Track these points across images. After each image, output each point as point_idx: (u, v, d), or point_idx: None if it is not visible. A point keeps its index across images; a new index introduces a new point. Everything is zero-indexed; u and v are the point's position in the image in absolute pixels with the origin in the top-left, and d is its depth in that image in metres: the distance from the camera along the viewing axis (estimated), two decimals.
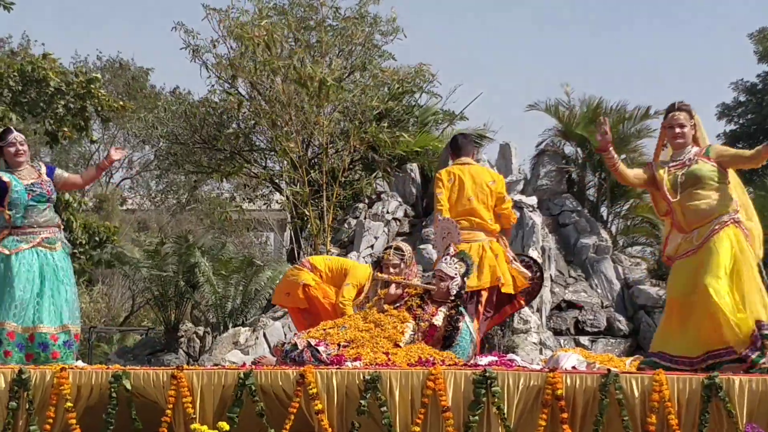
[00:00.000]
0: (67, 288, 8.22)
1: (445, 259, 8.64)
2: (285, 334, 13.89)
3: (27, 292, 8.07)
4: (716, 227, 7.44)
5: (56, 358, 8.00)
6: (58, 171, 8.51)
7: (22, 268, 8.07)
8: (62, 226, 8.48)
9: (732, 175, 7.68)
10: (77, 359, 8.30)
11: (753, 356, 7.26)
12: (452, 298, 8.47)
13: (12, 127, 8.67)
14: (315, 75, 16.25)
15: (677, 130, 7.64)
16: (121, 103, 18.74)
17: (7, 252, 8.15)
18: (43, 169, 8.38)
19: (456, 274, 8.52)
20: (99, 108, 17.65)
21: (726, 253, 7.36)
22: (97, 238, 17.68)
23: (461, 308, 8.54)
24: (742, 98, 29.82)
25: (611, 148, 7.69)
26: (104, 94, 17.89)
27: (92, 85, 17.38)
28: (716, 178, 7.54)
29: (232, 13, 17.55)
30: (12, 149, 8.23)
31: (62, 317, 8.15)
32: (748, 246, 7.49)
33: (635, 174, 7.89)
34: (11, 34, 39.27)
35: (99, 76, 18.95)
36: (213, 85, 19.10)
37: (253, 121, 18.68)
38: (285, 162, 17.93)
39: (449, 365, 7.27)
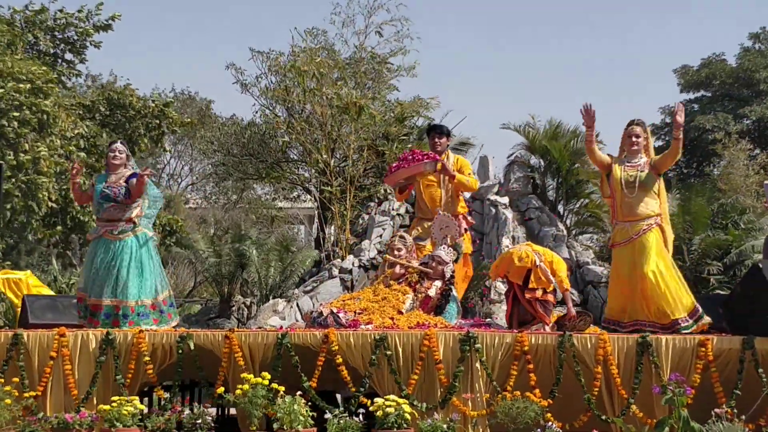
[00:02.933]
0: (122, 269, 7.73)
1: (443, 247, 8.59)
2: (313, 304, 13.86)
3: (89, 271, 7.81)
4: (645, 227, 7.41)
5: (96, 326, 7.54)
6: (133, 179, 7.91)
7: (92, 252, 7.85)
8: (135, 221, 7.87)
9: (660, 185, 7.62)
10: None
11: (684, 325, 7.21)
12: (446, 279, 8.45)
13: (119, 141, 8.26)
14: (356, 101, 16.25)
15: (634, 139, 7.59)
16: (188, 119, 18.76)
17: (90, 237, 8.04)
18: (127, 174, 7.94)
19: (450, 260, 8.49)
20: (170, 124, 17.66)
21: (658, 248, 7.36)
22: (168, 228, 17.69)
23: (451, 285, 8.50)
24: (668, 120, 29.69)
25: (593, 126, 7.60)
26: (175, 114, 17.91)
27: (166, 108, 17.43)
28: (652, 186, 7.50)
29: (272, 54, 17.54)
30: (110, 154, 8.02)
31: (116, 293, 7.69)
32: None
33: (601, 158, 7.71)
34: (101, 72, 39.24)
35: (171, 100, 18.99)
36: (257, 111, 19.08)
37: (288, 139, 18.63)
38: (314, 170, 17.90)
39: (441, 328, 7.26)
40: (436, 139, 8.99)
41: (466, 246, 8.95)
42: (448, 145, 9.11)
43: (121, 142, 8.24)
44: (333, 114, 16.42)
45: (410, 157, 8.84)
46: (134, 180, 7.89)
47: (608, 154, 7.81)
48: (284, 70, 17.06)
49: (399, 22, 17.57)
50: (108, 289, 7.67)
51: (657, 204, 7.51)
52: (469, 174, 9.04)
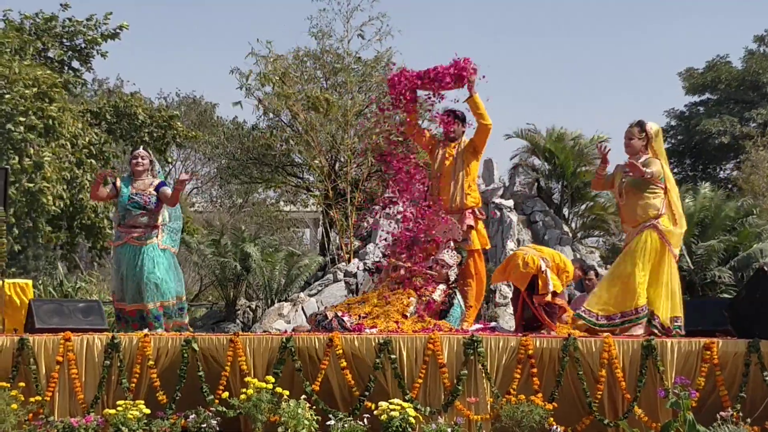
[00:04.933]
0: (148, 274, 7.86)
1: (447, 251, 8.55)
2: (318, 308, 13.88)
3: (118, 278, 8.00)
4: (639, 230, 7.39)
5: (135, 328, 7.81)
6: (164, 188, 8.04)
7: (119, 258, 8.00)
8: (161, 227, 8.02)
9: (670, 182, 7.57)
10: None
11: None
12: (450, 282, 8.42)
13: (142, 147, 8.35)
14: (322, 98, 16.23)
15: (626, 141, 7.62)
16: (193, 133, 18.85)
17: (113, 244, 8.19)
18: (156, 183, 8.06)
19: (454, 263, 8.46)
20: (176, 136, 17.76)
21: (640, 250, 7.33)
22: None
23: (455, 288, 8.47)
24: (673, 123, 29.64)
25: (607, 166, 7.75)
26: (180, 125, 17.98)
27: (172, 120, 17.52)
28: (643, 187, 7.42)
29: (272, 57, 17.56)
30: (133, 161, 8.09)
31: (142, 297, 7.87)
32: (663, 245, 7.36)
33: (605, 183, 7.93)
34: (108, 76, 39.35)
35: (178, 113, 19.05)
36: (261, 116, 19.12)
37: (292, 142, 18.66)
38: (318, 174, 17.93)
39: (445, 332, 7.24)
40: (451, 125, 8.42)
41: (474, 242, 8.40)
42: (463, 132, 8.49)
43: (144, 148, 8.29)
44: (320, 112, 16.39)
45: (434, 76, 8.10)
46: (166, 189, 8.01)
47: (616, 166, 7.81)
48: (264, 80, 17.02)
49: (378, 20, 17.60)
50: (147, 294, 7.83)
51: (657, 203, 7.41)
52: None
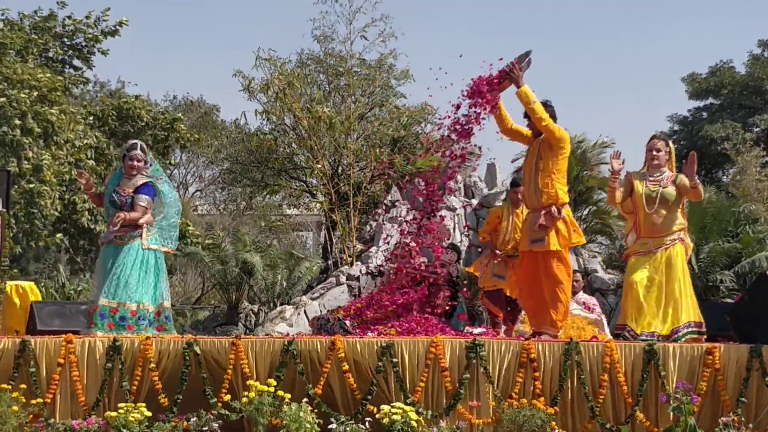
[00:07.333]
0: (125, 271, 7.64)
1: (446, 251, 8.61)
2: (321, 311, 13.87)
3: (101, 277, 7.77)
4: (668, 243, 7.39)
5: (111, 329, 7.52)
6: (141, 196, 7.78)
7: (102, 258, 7.86)
8: (146, 227, 7.74)
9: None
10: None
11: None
12: (453, 279, 8.46)
13: (138, 144, 7.97)
14: (323, 115, 16.19)
15: (654, 153, 7.56)
16: (196, 135, 18.86)
17: (100, 242, 8.03)
18: (140, 183, 7.82)
19: (452, 261, 8.51)
20: (179, 139, 17.76)
21: (680, 265, 7.37)
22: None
23: (458, 289, 8.51)
24: (676, 128, 29.67)
25: (618, 177, 7.50)
26: (183, 128, 17.99)
27: (175, 123, 17.51)
28: (676, 201, 7.46)
29: (279, 61, 17.55)
30: (128, 162, 7.84)
31: (117, 296, 7.62)
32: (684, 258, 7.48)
33: (622, 194, 7.58)
34: (109, 78, 39.39)
35: (181, 116, 19.05)
36: (265, 119, 19.10)
37: (295, 146, 18.66)
38: (321, 176, 17.94)
39: (447, 335, 7.24)
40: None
41: (552, 242, 7.47)
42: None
43: (141, 148, 7.96)
44: (321, 128, 16.40)
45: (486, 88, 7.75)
46: (140, 196, 7.76)
47: (627, 173, 7.74)
48: (268, 86, 17.01)
49: (382, 22, 17.58)
50: (107, 290, 7.61)
51: (682, 218, 7.50)
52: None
